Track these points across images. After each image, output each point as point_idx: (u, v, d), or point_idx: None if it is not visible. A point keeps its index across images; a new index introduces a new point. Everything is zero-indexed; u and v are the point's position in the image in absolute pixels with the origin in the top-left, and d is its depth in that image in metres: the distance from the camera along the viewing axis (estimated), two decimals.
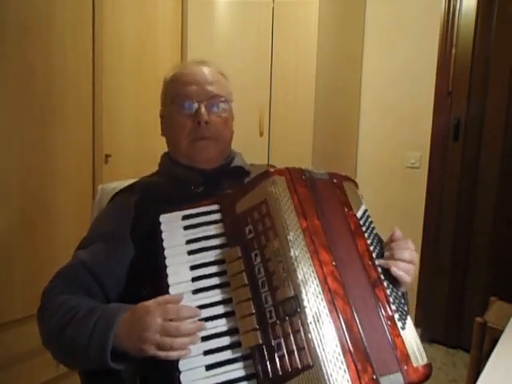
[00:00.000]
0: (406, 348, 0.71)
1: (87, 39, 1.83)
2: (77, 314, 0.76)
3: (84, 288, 0.84)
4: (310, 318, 0.66)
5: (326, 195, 0.81)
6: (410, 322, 0.75)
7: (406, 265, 0.79)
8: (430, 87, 2.49)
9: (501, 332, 1.08)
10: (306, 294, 0.67)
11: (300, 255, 0.70)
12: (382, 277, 0.77)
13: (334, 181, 0.85)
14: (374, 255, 0.79)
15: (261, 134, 2.39)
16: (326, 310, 0.67)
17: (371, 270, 0.77)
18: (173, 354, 0.67)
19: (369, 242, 0.80)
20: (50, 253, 1.74)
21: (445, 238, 2.51)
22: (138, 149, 2.09)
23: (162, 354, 0.67)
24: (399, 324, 0.73)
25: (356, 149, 2.82)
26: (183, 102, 0.96)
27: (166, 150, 1.05)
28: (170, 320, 0.68)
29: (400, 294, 0.79)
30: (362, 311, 0.71)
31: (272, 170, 0.79)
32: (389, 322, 0.72)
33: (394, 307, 0.74)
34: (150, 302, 0.71)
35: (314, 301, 0.67)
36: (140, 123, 2.10)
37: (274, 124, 2.43)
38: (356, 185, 0.91)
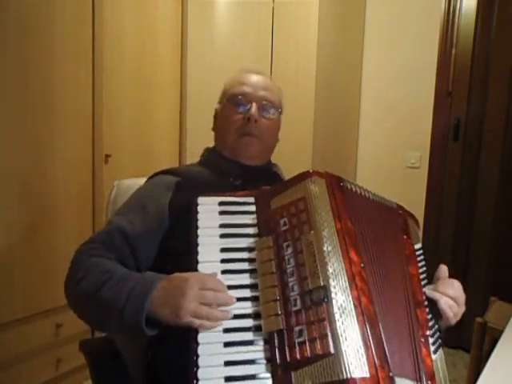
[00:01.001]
0: (433, 368, 0.75)
1: (87, 39, 1.83)
2: (113, 277, 0.77)
3: (119, 254, 0.86)
4: (335, 309, 0.67)
5: (376, 213, 0.88)
6: (442, 353, 0.80)
7: (449, 300, 0.83)
8: (430, 87, 2.48)
9: (501, 332, 1.08)
10: (335, 287, 0.69)
11: (332, 251, 0.73)
12: (426, 303, 0.82)
13: (400, 212, 0.93)
14: (422, 283, 0.84)
15: None
16: (351, 305, 0.69)
17: (417, 292, 0.82)
18: (207, 324, 0.69)
19: (420, 271, 0.86)
20: (50, 253, 1.74)
21: (445, 237, 2.51)
22: (138, 149, 2.09)
23: (197, 322, 0.69)
24: (432, 348, 0.77)
25: (356, 149, 2.82)
26: (237, 100, 1.03)
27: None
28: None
29: (438, 327, 0.83)
30: (389, 317, 0.73)
31: (311, 171, 0.82)
32: (422, 340, 0.76)
33: (430, 332, 0.79)
34: (186, 274, 0.73)
35: (341, 294, 0.69)
36: (140, 123, 2.10)
37: None
38: (417, 224, 0.98)
